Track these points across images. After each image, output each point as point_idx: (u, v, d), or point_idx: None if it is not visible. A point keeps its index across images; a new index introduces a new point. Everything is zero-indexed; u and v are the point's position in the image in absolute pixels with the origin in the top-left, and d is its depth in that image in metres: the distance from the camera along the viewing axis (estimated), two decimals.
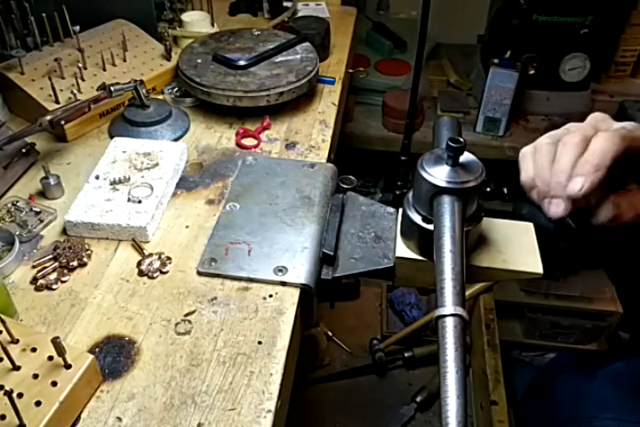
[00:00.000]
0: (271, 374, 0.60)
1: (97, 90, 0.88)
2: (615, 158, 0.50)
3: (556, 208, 0.52)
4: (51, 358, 0.55)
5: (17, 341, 0.56)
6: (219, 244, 0.72)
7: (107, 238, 0.74)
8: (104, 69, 0.96)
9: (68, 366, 0.54)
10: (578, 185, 0.50)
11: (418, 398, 1.45)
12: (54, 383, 0.53)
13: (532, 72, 1.53)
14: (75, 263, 0.70)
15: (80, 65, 0.93)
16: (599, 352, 1.74)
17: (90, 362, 0.55)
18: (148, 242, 0.74)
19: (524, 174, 0.56)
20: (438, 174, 0.60)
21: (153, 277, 0.69)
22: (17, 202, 0.78)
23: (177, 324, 0.64)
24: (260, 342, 0.63)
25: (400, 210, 0.71)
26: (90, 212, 0.74)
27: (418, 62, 1.39)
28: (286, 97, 0.95)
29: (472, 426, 1.39)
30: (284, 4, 1.25)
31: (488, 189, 1.74)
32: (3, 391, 0.51)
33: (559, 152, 0.53)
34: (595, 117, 0.56)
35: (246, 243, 0.72)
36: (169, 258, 0.71)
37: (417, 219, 0.65)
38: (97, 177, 0.79)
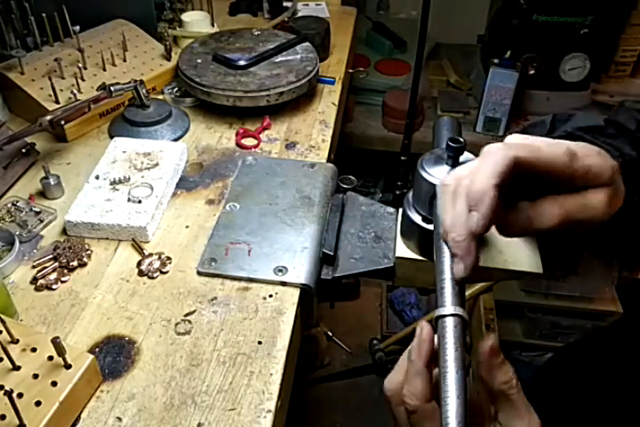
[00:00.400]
0: (271, 374, 0.60)
1: (97, 90, 0.88)
2: (504, 174, 0.44)
3: (456, 269, 0.48)
4: (51, 358, 0.55)
5: (17, 341, 0.56)
6: (219, 244, 0.72)
7: (107, 238, 0.74)
8: (104, 69, 0.96)
9: (67, 366, 0.54)
10: (473, 219, 0.45)
11: None
12: (54, 383, 0.53)
13: (532, 72, 1.53)
14: (75, 263, 0.70)
15: (80, 65, 0.93)
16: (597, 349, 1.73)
17: (90, 362, 0.55)
18: (148, 242, 0.74)
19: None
20: (438, 174, 0.60)
21: (153, 277, 0.69)
22: (17, 202, 0.78)
23: (177, 324, 0.64)
24: (260, 342, 0.63)
25: (400, 210, 0.71)
26: (90, 212, 0.74)
27: (418, 62, 1.40)
28: (286, 97, 0.95)
29: None
30: (284, 3, 1.25)
31: None
32: (3, 391, 0.51)
33: (455, 205, 0.48)
34: (512, 139, 0.49)
35: (246, 243, 0.72)
36: (169, 258, 0.71)
37: (417, 219, 0.65)
38: (97, 177, 0.79)
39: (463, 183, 0.48)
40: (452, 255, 0.48)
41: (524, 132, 0.62)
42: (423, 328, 0.49)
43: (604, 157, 0.49)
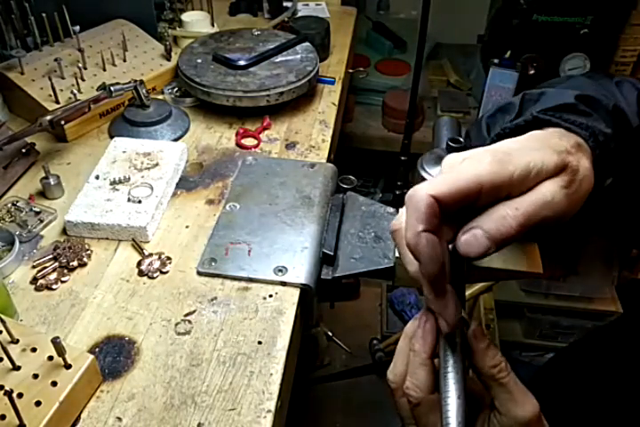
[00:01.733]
0: (271, 374, 0.60)
1: (97, 90, 0.88)
2: (427, 215, 0.41)
3: (440, 326, 0.45)
4: (51, 358, 0.55)
5: (17, 341, 0.56)
6: (219, 244, 0.72)
7: (107, 238, 0.74)
8: (104, 69, 0.96)
9: (67, 366, 0.54)
10: (422, 270, 0.43)
11: None
12: (54, 383, 0.53)
13: (532, 72, 1.52)
14: (75, 263, 0.70)
15: (80, 65, 0.93)
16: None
17: (90, 362, 0.55)
18: (148, 242, 0.74)
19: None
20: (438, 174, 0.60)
21: (153, 278, 0.69)
22: (17, 202, 0.78)
23: (177, 324, 0.64)
24: (260, 342, 0.63)
25: (400, 210, 0.71)
26: (90, 212, 0.74)
27: (418, 62, 1.40)
28: (286, 97, 0.95)
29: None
30: (284, 3, 1.25)
31: None
32: (3, 391, 0.51)
33: (406, 256, 0.48)
34: (445, 162, 0.47)
35: (246, 243, 0.72)
36: (169, 258, 0.71)
37: None
38: (97, 177, 0.79)
39: (400, 234, 0.46)
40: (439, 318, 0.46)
41: (492, 116, 0.61)
42: (428, 319, 0.49)
43: (550, 144, 0.46)
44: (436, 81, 1.79)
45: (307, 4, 1.31)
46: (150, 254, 0.71)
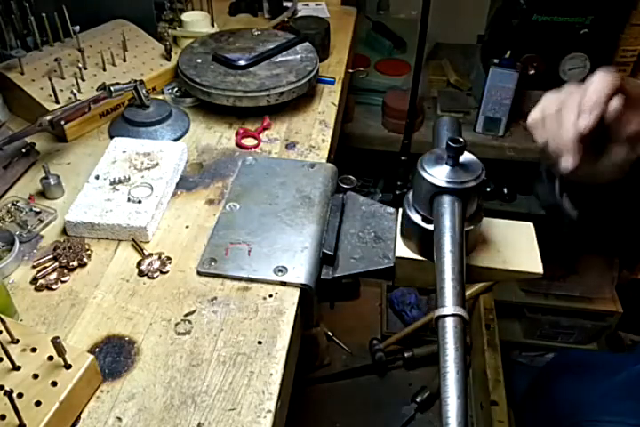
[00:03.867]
0: (271, 374, 0.60)
1: (97, 90, 0.88)
2: (610, 93, 0.57)
3: (565, 162, 0.58)
4: (51, 358, 0.55)
5: (17, 341, 0.56)
6: (219, 244, 0.72)
7: (107, 238, 0.74)
8: (104, 69, 0.96)
9: (67, 366, 0.54)
10: (584, 122, 0.56)
11: (418, 399, 1.45)
12: (54, 383, 0.53)
13: (532, 72, 1.52)
14: (75, 263, 0.70)
15: (80, 65, 0.93)
16: (599, 351, 1.74)
17: (90, 362, 0.55)
18: (147, 242, 0.74)
19: (540, 141, 0.63)
20: (438, 174, 0.60)
21: (153, 277, 0.69)
22: (17, 202, 0.78)
23: (177, 324, 0.64)
24: (260, 342, 0.63)
25: (400, 210, 0.71)
26: (90, 212, 0.74)
27: (418, 62, 1.40)
28: (286, 97, 0.95)
29: (472, 426, 1.39)
30: (284, 3, 1.25)
31: (488, 189, 1.74)
32: (3, 391, 0.51)
33: (563, 117, 0.59)
34: (600, 75, 0.60)
35: (246, 243, 0.72)
36: (169, 258, 0.71)
37: (417, 219, 0.65)
38: (97, 177, 0.79)
39: (572, 103, 0.59)
40: (563, 154, 0.58)
41: None
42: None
43: None
44: (435, 81, 1.78)
45: (307, 4, 1.31)
46: (150, 254, 0.71)
